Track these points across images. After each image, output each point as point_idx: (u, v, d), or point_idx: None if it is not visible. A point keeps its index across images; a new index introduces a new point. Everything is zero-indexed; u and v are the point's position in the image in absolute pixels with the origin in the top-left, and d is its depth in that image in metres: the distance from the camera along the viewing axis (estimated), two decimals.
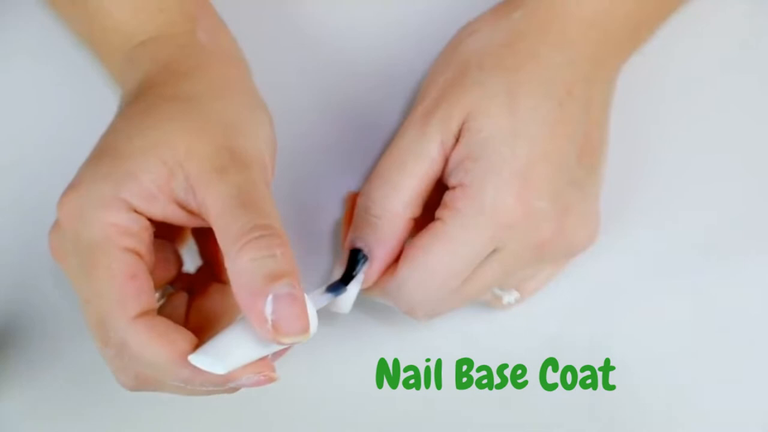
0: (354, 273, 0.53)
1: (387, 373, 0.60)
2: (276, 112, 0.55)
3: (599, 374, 0.59)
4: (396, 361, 0.59)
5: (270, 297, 0.45)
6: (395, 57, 0.62)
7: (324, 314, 0.50)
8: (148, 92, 0.52)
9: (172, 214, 0.50)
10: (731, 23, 0.63)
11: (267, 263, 0.46)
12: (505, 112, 0.53)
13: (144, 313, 0.48)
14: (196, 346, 0.48)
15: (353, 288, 0.54)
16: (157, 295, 0.52)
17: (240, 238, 0.46)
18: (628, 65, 0.59)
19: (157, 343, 0.48)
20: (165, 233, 0.54)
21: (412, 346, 0.60)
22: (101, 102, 0.60)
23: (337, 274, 0.55)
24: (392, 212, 0.54)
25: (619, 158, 0.59)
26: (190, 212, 0.49)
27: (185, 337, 0.48)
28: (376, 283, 0.55)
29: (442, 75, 0.56)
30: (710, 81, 0.63)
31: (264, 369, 0.48)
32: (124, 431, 0.59)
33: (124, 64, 0.56)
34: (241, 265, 0.46)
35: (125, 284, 0.48)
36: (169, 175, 0.49)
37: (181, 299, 0.54)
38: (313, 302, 0.47)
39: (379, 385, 0.59)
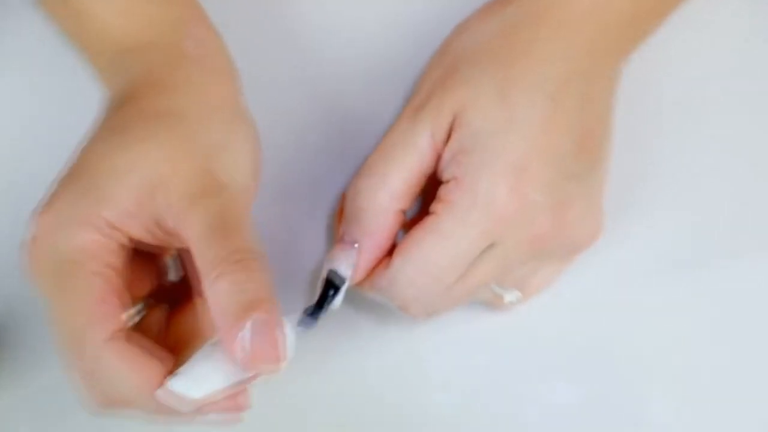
0: (327, 302, 0.53)
1: (380, 375, 0.59)
2: (268, 111, 0.54)
3: (604, 375, 0.59)
4: (390, 362, 0.59)
5: (247, 326, 0.45)
6: (390, 57, 0.62)
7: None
8: (130, 105, 0.52)
9: (151, 234, 0.49)
10: (737, 20, 0.63)
11: (244, 291, 0.46)
12: (497, 107, 0.52)
13: (117, 336, 0.48)
14: (174, 364, 0.48)
15: (341, 284, 0.53)
16: (138, 307, 0.52)
17: (217, 265, 0.46)
18: (634, 60, 0.58)
19: (130, 369, 0.47)
20: (147, 246, 0.53)
21: (407, 347, 0.59)
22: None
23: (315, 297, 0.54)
24: (379, 204, 0.53)
25: (625, 153, 0.59)
26: (168, 233, 0.49)
27: (155, 362, 0.48)
28: (368, 278, 0.54)
29: (434, 72, 0.56)
30: (719, 77, 0.62)
31: (238, 396, 0.48)
32: (121, 430, 0.58)
33: (109, 68, 0.56)
34: (218, 292, 0.46)
35: (100, 305, 0.48)
36: (149, 196, 0.48)
37: (159, 313, 0.53)
38: (291, 329, 0.47)
39: (372, 387, 0.59)
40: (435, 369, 0.59)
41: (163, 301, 0.53)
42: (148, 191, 0.48)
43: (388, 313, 0.58)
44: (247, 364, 0.46)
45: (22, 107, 0.61)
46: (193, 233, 0.47)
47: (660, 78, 0.62)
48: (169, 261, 0.54)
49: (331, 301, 0.53)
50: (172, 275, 0.54)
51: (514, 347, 0.59)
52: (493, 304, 0.58)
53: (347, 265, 0.54)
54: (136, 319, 0.51)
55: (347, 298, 0.54)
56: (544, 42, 0.54)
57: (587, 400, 0.58)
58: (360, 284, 0.55)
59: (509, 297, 0.58)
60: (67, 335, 0.48)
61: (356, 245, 0.54)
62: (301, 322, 0.52)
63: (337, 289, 0.53)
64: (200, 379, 0.47)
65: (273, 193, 0.53)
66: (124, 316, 0.49)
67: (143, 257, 0.52)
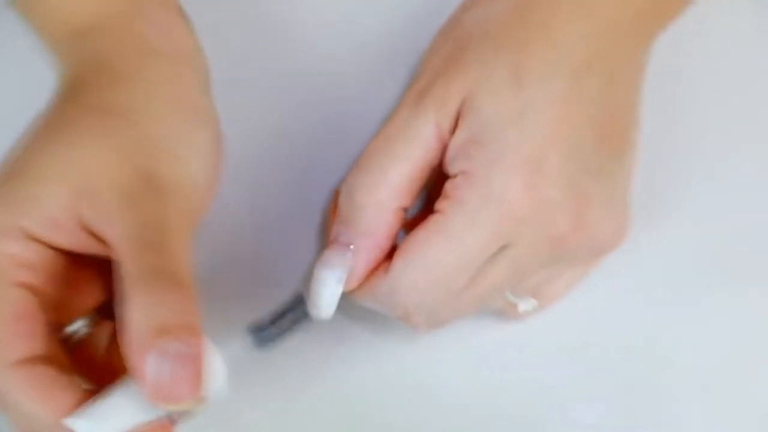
0: (285, 314, 0.51)
1: (378, 393, 0.57)
2: (252, 97, 0.54)
3: (627, 393, 0.57)
4: (388, 379, 0.57)
5: (153, 353, 0.43)
6: (390, 33, 0.60)
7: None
8: (72, 97, 0.50)
9: (82, 244, 0.47)
10: None
11: (156, 314, 0.43)
12: (510, 90, 0.50)
13: (26, 361, 0.45)
14: (85, 401, 0.45)
15: (335, 289, 0.51)
16: (81, 323, 0.50)
17: (135, 280, 0.44)
18: (666, 42, 0.57)
19: (36, 398, 0.45)
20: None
21: (408, 362, 0.57)
22: None
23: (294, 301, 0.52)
24: (378, 201, 0.51)
25: (654, 145, 0.58)
26: (102, 242, 0.47)
27: (71, 390, 0.45)
28: (366, 284, 0.52)
29: (439, 52, 0.54)
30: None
31: None
32: None
33: (60, 53, 0.54)
34: (129, 312, 0.44)
35: (11, 325, 0.46)
36: (76, 201, 0.46)
37: (104, 329, 0.51)
38: (220, 359, 0.45)
39: (368, 406, 0.57)
40: (439, 387, 0.57)
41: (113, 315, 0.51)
42: (78, 196, 0.46)
43: (387, 324, 0.56)
44: (153, 399, 0.43)
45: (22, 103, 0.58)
46: (118, 242, 0.45)
47: (693, 62, 0.61)
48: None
49: (292, 324, 0.51)
50: None
51: (527, 361, 0.58)
52: (506, 312, 0.56)
53: (341, 270, 0.51)
54: (76, 337, 0.49)
55: (340, 307, 0.52)
56: (562, 20, 0.52)
57: (608, 420, 0.57)
58: (356, 291, 0.52)
59: (524, 305, 0.55)
60: None
61: (352, 247, 0.52)
62: (252, 330, 0.50)
63: (304, 314, 0.51)
64: (105, 416, 0.45)
65: (258, 190, 0.52)
66: (72, 327, 0.48)
67: (87, 266, 0.50)
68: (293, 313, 0.51)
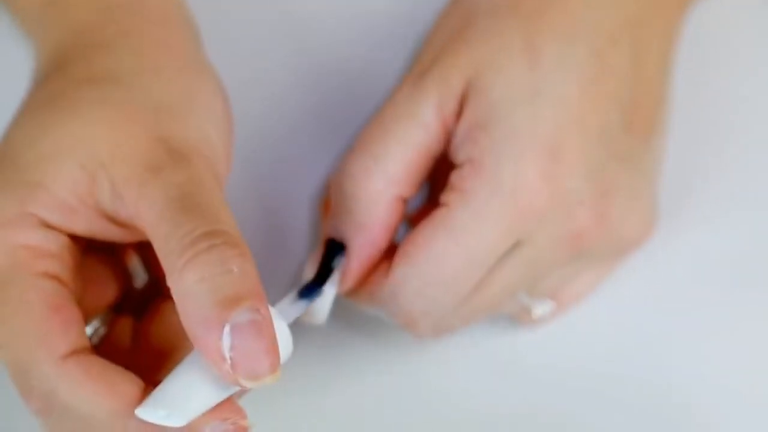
0: (332, 267, 0.49)
1: (378, 405, 0.55)
2: (240, 79, 0.53)
3: (652, 404, 0.55)
4: (389, 391, 0.55)
5: (227, 328, 0.41)
6: (392, 8, 0.59)
7: (294, 328, 0.46)
8: (60, 72, 0.48)
9: (100, 229, 0.46)
10: None
11: (221, 283, 0.41)
12: (522, 65, 0.49)
13: (75, 352, 0.44)
14: (146, 390, 0.44)
15: (328, 290, 0.50)
16: (95, 324, 0.48)
17: (184, 251, 0.41)
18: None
19: (96, 390, 0.43)
20: (103, 244, 0.50)
21: (412, 373, 0.56)
22: None
23: (310, 272, 0.50)
24: (373, 190, 0.50)
25: (685, 132, 0.56)
26: (122, 225, 0.45)
27: (131, 379, 0.44)
28: (364, 287, 0.51)
29: (443, 29, 0.53)
30: None
31: (231, 414, 0.43)
32: None
33: (34, 24, 0.52)
34: (187, 287, 0.41)
35: (48, 318, 0.44)
36: (90, 182, 0.45)
37: (124, 328, 0.49)
38: (284, 317, 0.43)
39: (368, 420, 0.55)
40: (445, 399, 0.56)
41: (128, 312, 0.50)
42: (91, 175, 0.45)
43: (388, 331, 0.55)
44: (233, 377, 0.41)
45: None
46: (149, 218, 0.43)
47: (732, 36, 0.59)
48: (134, 264, 0.51)
49: (338, 262, 0.50)
50: (139, 281, 0.51)
51: (546, 372, 0.56)
52: (519, 318, 0.54)
53: (334, 270, 0.50)
54: (95, 338, 0.48)
55: (336, 313, 0.51)
56: None
57: (624, 427, 0.55)
58: (354, 295, 0.51)
59: (539, 309, 0.53)
60: (17, 361, 0.44)
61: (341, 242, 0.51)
62: (303, 293, 0.48)
63: (339, 251, 0.50)
64: (180, 400, 0.42)
65: (246, 178, 0.51)
66: (87, 329, 0.47)
67: (100, 261, 0.49)
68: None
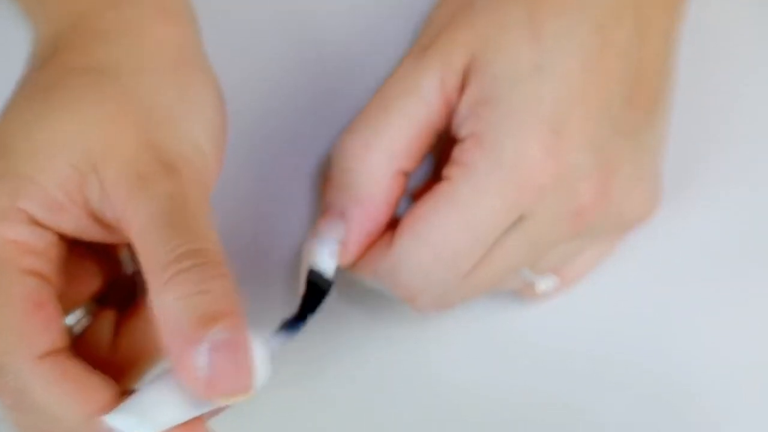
0: (314, 308, 0.49)
1: (378, 382, 0.55)
2: (240, 53, 0.53)
3: (656, 383, 0.55)
4: (392, 367, 0.55)
5: (203, 346, 0.41)
6: (388, 10, 0.58)
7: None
8: (53, 61, 0.48)
9: (87, 229, 0.45)
10: None
11: (199, 302, 0.41)
12: (525, 40, 0.48)
13: (52, 353, 0.44)
14: (121, 397, 0.44)
15: (328, 262, 0.49)
16: (78, 315, 0.48)
17: (166, 268, 0.42)
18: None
19: (68, 393, 0.43)
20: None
21: (413, 348, 0.55)
22: None
23: (308, 255, 0.50)
24: (372, 164, 0.49)
25: (686, 111, 0.56)
26: (108, 227, 0.45)
27: (106, 385, 0.44)
28: (366, 260, 0.50)
29: (445, 7, 0.52)
30: None
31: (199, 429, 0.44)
32: None
33: (33, 12, 0.51)
34: (166, 303, 0.42)
35: (29, 315, 0.44)
36: (81, 181, 0.44)
37: (107, 321, 0.49)
38: (263, 345, 0.43)
39: (370, 396, 0.55)
40: (444, 375, 0.55)
41: (112, 302, 0.50)
42: (82, 174, 0.44)
43: (387, 305, 0.54)
44: (206, 395, 0.41)
45: None
46: (134, 227, 0.43)
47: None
48: (124, 253, 0.51)
49: (315, 307, 0.49)
50: (129, 268, 0.51)
51: (549, 349, 0.55)
52: (522, 293, 0.54)
53: (334, 242, 0.50)
54: (77, 328, 0.48)
55: (335, 286, 0.51)
56: None
57: (628, 406, 0.54)
58: (355, 267, 0.51)
59: (543, 284, 0.53)
60: None
61: (342, 216, 0.50)
62: (286, 326, 0.48)
63: (323, 293, 0.49)
64: (150, 411, 0.43)
65: (245, 155, 0.51)
66: (69, 319, 0.47)
67: (86, 252, 0.49)
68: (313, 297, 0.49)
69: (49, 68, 0.47)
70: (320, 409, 0.55)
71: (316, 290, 0.49)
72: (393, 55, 0.57)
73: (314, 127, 0.57)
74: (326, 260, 0.49)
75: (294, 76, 0.58)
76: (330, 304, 0.50)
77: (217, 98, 0.49)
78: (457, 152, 0.49)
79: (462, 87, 0.49)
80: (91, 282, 0.49)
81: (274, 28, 0.59)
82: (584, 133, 0.48)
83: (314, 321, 0.51)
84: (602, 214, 0.49)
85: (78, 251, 0.47)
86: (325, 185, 0.53)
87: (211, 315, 0.41)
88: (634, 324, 0.56)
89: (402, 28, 0.58)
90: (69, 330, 0.46)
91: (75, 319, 0.48)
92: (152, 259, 0.42)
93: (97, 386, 0.43)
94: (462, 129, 0.49)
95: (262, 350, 0.43)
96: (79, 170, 0.44)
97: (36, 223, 0.44)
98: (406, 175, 0.50)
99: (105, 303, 0.49)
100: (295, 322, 0.48)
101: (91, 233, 0.45)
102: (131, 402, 0.43)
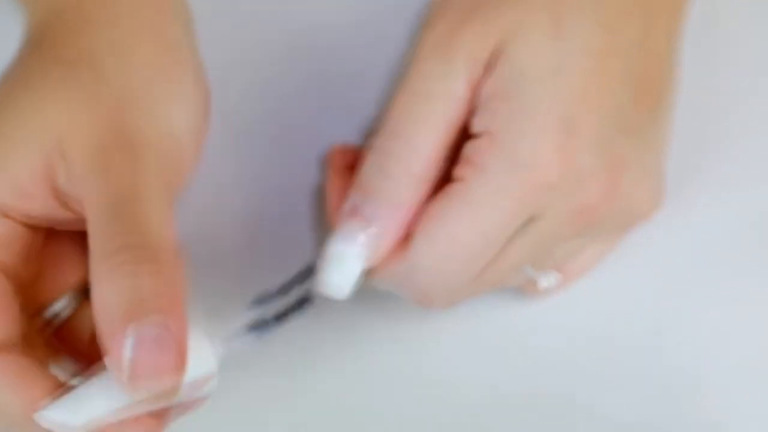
0: (293, 309, 0.49)
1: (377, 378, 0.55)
2: (237, 40, 0.53)
3: (657, 380, 0.55)
4: (389, 364, 0.55)
5: (128, 339, 0.41)
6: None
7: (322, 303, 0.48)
8: (36, 49, 0.48)
9: (56, 214, 0.46)
10: None
11: (131, 294, 0.42)
12: (548, 39, 0.48)
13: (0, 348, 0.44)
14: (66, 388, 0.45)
15: (353, 267, 0.48)
16: (62, 302, 0.48)
17: (104, 258, 0.42)
18: None
19: (7, 388, 0.44)
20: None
21: (412, 345, 0.55)
22: None
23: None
24: (412, 173, 0.48)
25: (691, 106, 0.55)
26: (78, 213, 0.45)
27: (45, 384, 0.44)
28: (382, 264, 0.49)
29: None
30: None
31: (142, 428, 0.45)
32: None
33: (25, 3, 0.51)
34: (101, 293, 0.42)
35: None
36: (48, 166, 0.45)
37: (88, 309, 0.48)
38: (209, 344, 0.44)
39: (368, 391, 0.55)
40: (446, 373, 0.55)
41: None
42: (48, 159, 0.45)
43: (385, 300, 0.54)
44: (128, 386, 0.42)
45: None
46: (89, 215, 0.44)
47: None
48: None
49: (299, 309, 0.49)
50: None
51: (551, 346, 0.55)
52: (525, 289, 0.54)
53: (362, 246, 0.49)
54: (63, 316, 0.48)
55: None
56: None
57: (634, 402, 0.54)
58: (373, 274, 0.50)
59: (545, 281, 0.53)
60: None
61: (373, 222, 0.49)
62: (255, 327, 0.48)
63: (309, 303, 0.49)
64: (77, 405, 0.44)
65: (242, 163, 0.52)
66: (53, 308, 0.47)
67: (69, 241, 0.49)
68: (300, 287, 0.49)
69: (30, 61, 0.48)
70: (316, 405, 0.55)
71: (304, 300, 0.49)
72: (393, 48, 0.57)
73: (314, 118, 0.57)
74: (350, 267, 0.49)
75: (294, 68, 0.57)
76: (327, 300, 0.50)
77: (199, 87, 0.49)
78: (471, 151, 0.48)
79: (485, 75, 0.49)
80: (73, 272, 0.49)
81: (267, 27, 0.58)
82: (594, 133, 0.48)
83: (314, 320, 0.51)
84: (609, 213, 0.49)
85: (58, 241, 0.47)
86: (336, 180, 0.52)
87: (139, 309, 0.41)
88: (635, 321, 0.55)
89: (401, 19, 0.57)
90: (51, 319, 0.47)
91: (59, 307, 0.48)
92: (96, 248, 0.43)
93: (39, 384, 0.44)
94: (476, 122, 0.48)
95: (205, 349, 0.43)
96: (47, 155, 0.44)
97: (1, 212, 0.45)
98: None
99: (89, 296, 0.49)
100: (265, 324, 0.48)
101: (62, 220, 0.46)
102: (66, 396, 0.44)
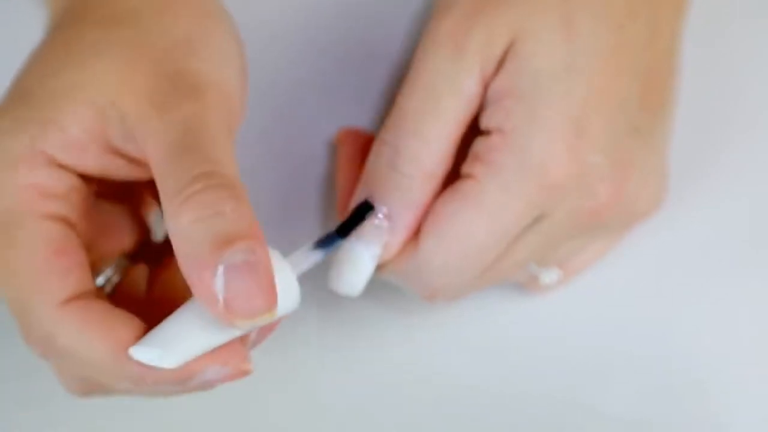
0: (356, 224, 0.48)
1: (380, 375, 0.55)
2: (245, 38, 0.50)
3: (658, 376, 0.54)
4: (391, 361, 0.55)
5: (220, 269, 0.40)
6: None
7: (324, 298, 0.49)
8: (72, 20, 0.47)
9: (112, 168, 0.45)
10: None
11: (214, 224, 0.41)
12: (560, 37, 0.48)
13: (76, 297, 0.43)
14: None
15: (368, 266, 0.49)
16: (108, 272, 0.48)
17: (179, 192, 0.41)
18: None
19: (93, 335, 0.42)
20: (120, 193, 0.49)
21: (412, 343, 0.55)
22: None
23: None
24: (425, 171, 0.48)
25: (692, 103, 0.55)
26: (134, 162, 0.45)
27: (131, 324, 0.43)
28: (392, 262, 0.50)
29: None
30: None
31: (232, 358, 0.43)
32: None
33: None
34: (181, 228, 0.41)
35: (49, 261, 0.43)
36: (101, 119, 0.44)
37: (139, 274, 0.48)
38: (294, 266, 0.43)
39: (371, 389, 0.55)
40: (448, 370, 0.55)
41: (146, 262, 0.49)
42: (101, 112, 0.44)
43: (386, 297, 0.54)
44: (225, 318, 0.41)
45: None
46: (153, 157, 0.42)
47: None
48: (152, 217, 0.51)
49: (355, 227, 0.48)
50: (159, 234, 0.51)
51: (552, 341, 0.55)
52: (526, 285, 0.54)
53: (376, 245, 0.49)
54: (108, 286, 0.48)
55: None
56: None
57: (634, 399, 0.54)
58: (383, 269, 0.50)
59: (546, 277, 0.53)
60: (18, 303, 0.43)
61: (386, 217, 0.49)
62: (321, 243, 0.46)
63: (362, 217, 0.49)
64: (172, 341, 0.42)
65: (258, 125, 0.51)
66: (100, 278, 0.47)
67: (118, 208, 0.49)
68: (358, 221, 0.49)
69: (69, 25, 0.47)
70: (318, 403, 0.55)
71: (359, 212, 0.49)
72: (407, 14, 0.56)
73: (326, 92, 0.56)
74: (365, 267, 0.49)
75: (297, 60, 0.57)
76: (327, 298, 0.50)
77: (237, 39, 0.48)
78: (482, 148, 0.48)
79: (495, 71, 0.49)
80: (122, 239, 0.49)
81: (279, 5, 0.57)
82: (603, 133, 0.48)
83: (313, 318, 0.52)
84: (615, 212, 0.49)
85: (109, 208, 0.47)
86: (346, 170, 0.52)
87: (225, 237, 0.41)
88: (637, 319, 0.55)
89: (406, 8, 0.57)
90: (100, 289, 0.47)
91: (105, 277, 0.48)
92: (168, 185, 0.42)
93: (121, 326, 0.43)
94: (487, 119, 0.48)
95: (286, 271, 0.42)
96: (99, 108, 0.44)
97: (57, 165, 0.44)
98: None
99: (137, 261, 0.49)
100: (331, 238, 0.47)
101: (117, 171, 0.45)
102: (153, 334, 0.42)
